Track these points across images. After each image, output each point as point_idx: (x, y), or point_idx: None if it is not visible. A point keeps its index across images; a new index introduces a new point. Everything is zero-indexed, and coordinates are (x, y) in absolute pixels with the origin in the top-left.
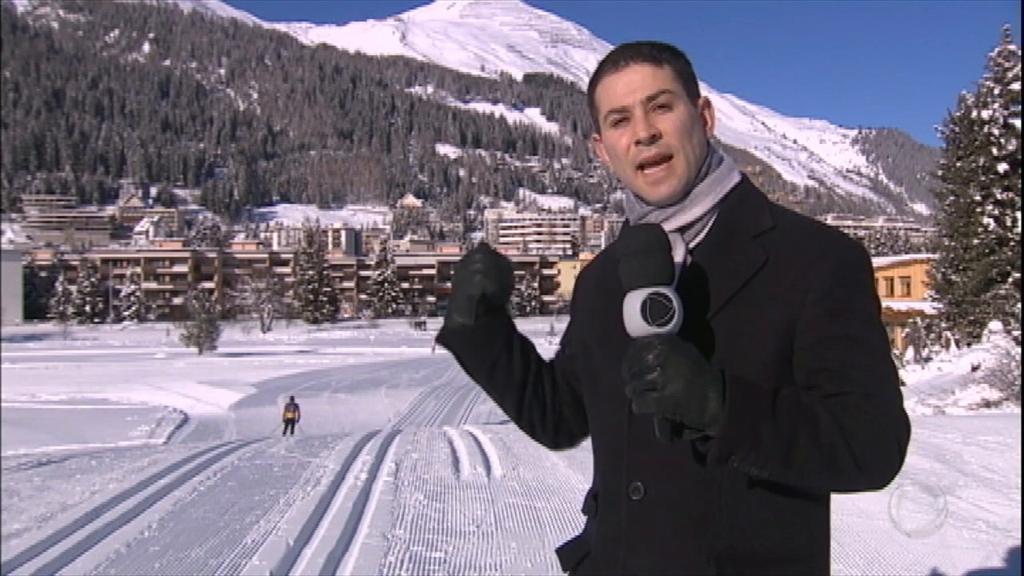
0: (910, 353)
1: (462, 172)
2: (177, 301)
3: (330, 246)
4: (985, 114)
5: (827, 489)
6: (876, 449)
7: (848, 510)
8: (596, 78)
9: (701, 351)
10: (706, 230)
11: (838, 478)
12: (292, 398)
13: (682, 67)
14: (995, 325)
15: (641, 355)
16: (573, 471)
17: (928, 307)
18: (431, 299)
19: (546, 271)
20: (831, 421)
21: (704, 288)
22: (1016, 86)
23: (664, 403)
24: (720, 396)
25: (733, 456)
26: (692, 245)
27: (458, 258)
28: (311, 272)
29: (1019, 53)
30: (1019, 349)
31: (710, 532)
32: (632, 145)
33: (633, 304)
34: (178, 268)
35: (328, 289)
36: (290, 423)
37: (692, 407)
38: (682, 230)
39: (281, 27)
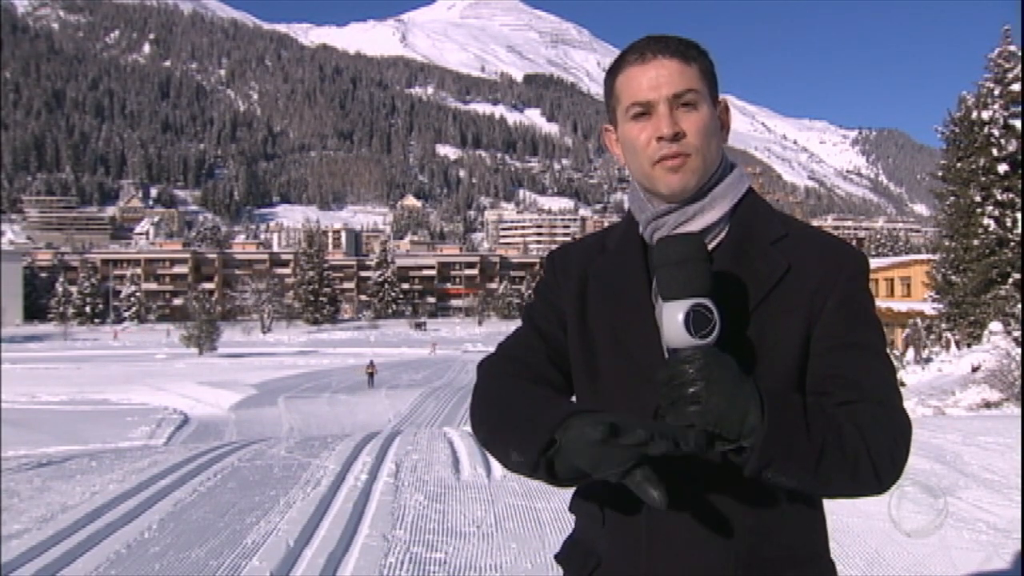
0: (910, 354)
1: (462, 173)
2: (177, 302)
3: (330, 247)
4: (985, 115)
5: (843, 495)
6: (890, 458)
7: (848, 511)
8: (617, 67)
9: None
10: (723, 234)
11: (856, 486)
12: (371, 361)
13: (707, 66)
14: (995, 326)
15: (683, 368)
16: None
17: (928, 308)
18: (431, 300)
19: None
20: (854, 432)
21: (730, 294)
22: (1016, 87)
23: (706, 416)
24: (759, 410)
25: (768, 468)
26: (710, 248)
27: (457, 259)
28: (311, 273)
29: (1019, 54)
30: (1019, 350)
31: (734, 538)
32: (653, 140)
33: (675, 316)
34: (178, 269)
35: (328, 290)
36: (371, 376)
37: (733, 420)
38: (702, 233)
39: (281, 28)
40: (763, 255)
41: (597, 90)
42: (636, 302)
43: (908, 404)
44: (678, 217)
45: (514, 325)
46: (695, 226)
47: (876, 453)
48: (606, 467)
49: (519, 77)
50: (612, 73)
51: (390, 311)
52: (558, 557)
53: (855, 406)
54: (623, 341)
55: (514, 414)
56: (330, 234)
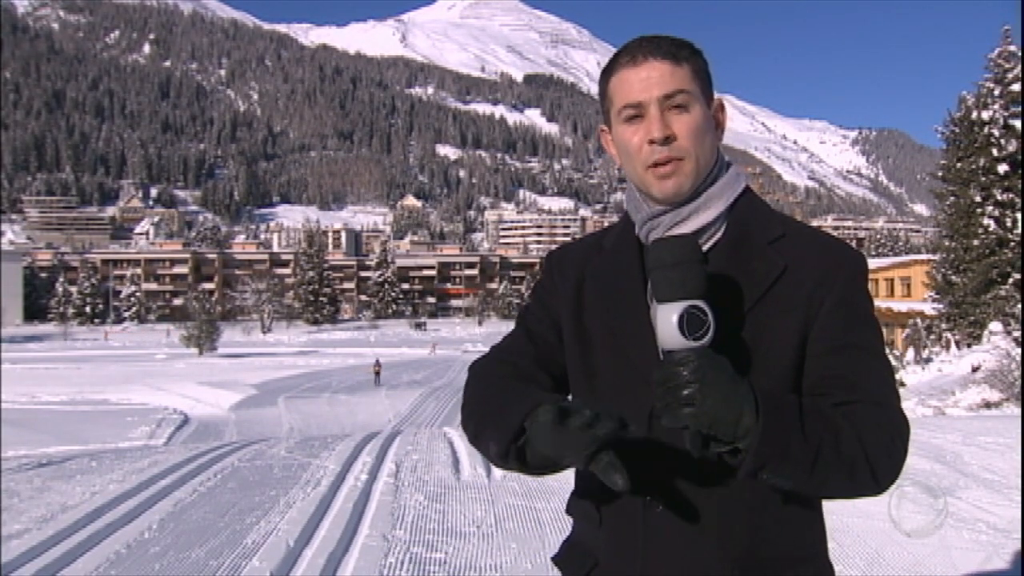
0: (910, 354)
1: (462, 173)
2: (177, 302)
3: (330, 247)
4: (985, 115)
5: (840, 496)
6: (888, 458)
7: (848, 511)
8: (611, 69)
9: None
10: (719, 234)
11: (854, 486)
12: (377, 360)
13: (700, 66)
14: (995, 326)
15: (677, 370)
16: (573, 471)
17: (928, 308)
18: (431, 300)
19: None
20: (850, 432)
21: (726, 294)
22: (1016, 87)
23: (700, 418)
24: (753, 411)
25: (764, 469)
26: (706, 248)
27: (457, 259)
28: (311, 273)
29: (1019, 54)
30: (1019, 350)
31: (730, 539)
32: (645, 144)
33: (669, 317)
34: (178, 269)
35: (328, 290)
36: (377, 374)
37: (728, 421)
38: (697, 233)
39: (281, 28)
40: (760, 255)
41: (597, 90)
42: (632, 303)
43: (908, 404)
44: (673, 218)
45: (513, 325)
46: (690, 227)
47: (873, 454)
48: (569, 452)
49: (519, 77)
50: (605, 75)
51: (390, 311)
52: (555, 559)
53: (852, 407)
54: (619, 342)
55: (492, 408)
56: (330, 234)
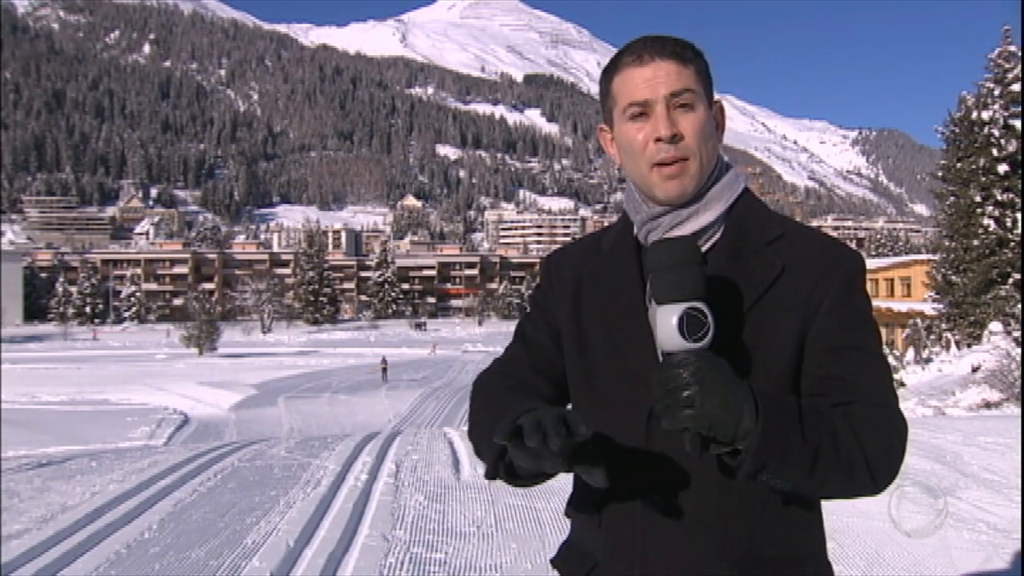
0: (910, 354)
1: (462, 173)
2: (177, 302)
3: (330, 247)
4: (985, 115)
5: (838, 496)
6: (887, 459)
7: (848, 511)
8: (614, 68)
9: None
10: (718, 235)
11: (852, 487)
12: (384, 358)
13: (703, 67)
14: (995, 326)
15: (677, 372)
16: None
17: (928, 308)
18: (431, 300)
19: None
20: (849, 433)
21: (724, 296)
22: (1016, 87)
23: (700, 420)
24: (753, 412)
25: (763, 471)
26: (704, 249)
27: (457, 259)
28: (311, 273)
29: (1019, 54)
30: (1019, 350)
31: (729, 539)
32: (651, 142)
33: (669, 319)
34: (178, 269)
35: (328, 290)
36: (384, 371)
37: (727, 423)
38: (696, 235)
39: (281, 28)
40: (758, 256)
41: (597, 90)
42: (630, 305)
43: (908, 404)
44: (673, 219)
45: (513, 325)
46: (689, 228)
47: (871, 454)
48: (546, 463)
49: (519, 77)
50: (608, 73)
51: (390, 311)
52: (554, 560)
53: (850, 407)
54: (617, 344)
55: (485, 427)
56: (330, 234)
